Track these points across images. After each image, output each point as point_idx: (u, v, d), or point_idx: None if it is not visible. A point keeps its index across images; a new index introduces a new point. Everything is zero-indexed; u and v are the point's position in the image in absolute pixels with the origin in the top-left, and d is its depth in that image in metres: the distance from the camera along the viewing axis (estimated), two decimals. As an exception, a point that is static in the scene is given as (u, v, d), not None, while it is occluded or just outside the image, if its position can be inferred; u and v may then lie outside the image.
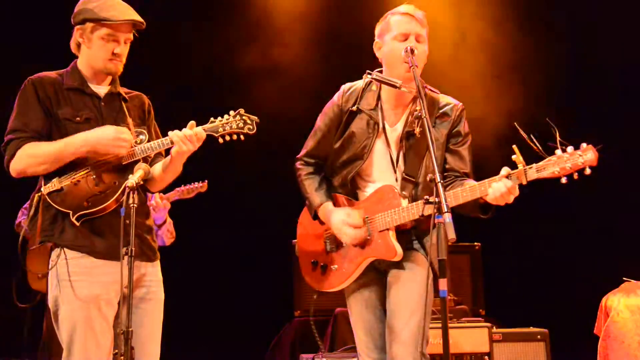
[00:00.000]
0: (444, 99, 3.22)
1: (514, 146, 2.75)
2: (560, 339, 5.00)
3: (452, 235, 2.57)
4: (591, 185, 5.83)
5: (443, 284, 2.63)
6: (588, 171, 2.66)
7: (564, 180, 2.69)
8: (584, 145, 2.69)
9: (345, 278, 3.21)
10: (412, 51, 3.00)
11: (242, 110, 3.11)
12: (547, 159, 2.72)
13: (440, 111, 3.17)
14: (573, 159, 2.67)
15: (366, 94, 3.21)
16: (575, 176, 2.68)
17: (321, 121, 3.30)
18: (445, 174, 3.14)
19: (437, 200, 2.64)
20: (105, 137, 3.01)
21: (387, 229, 3.08)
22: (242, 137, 3.11)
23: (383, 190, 3.13)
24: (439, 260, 2.63)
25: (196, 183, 4.95)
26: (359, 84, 3.24)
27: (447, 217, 2.59)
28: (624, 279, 4.87)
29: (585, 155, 2.66)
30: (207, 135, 3.07)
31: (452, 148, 3.17)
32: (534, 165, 2.75)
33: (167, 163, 3.13)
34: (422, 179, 3.11)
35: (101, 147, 3.01)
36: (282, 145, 6.14)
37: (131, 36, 3.16)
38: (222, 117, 3.11)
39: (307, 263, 3.35)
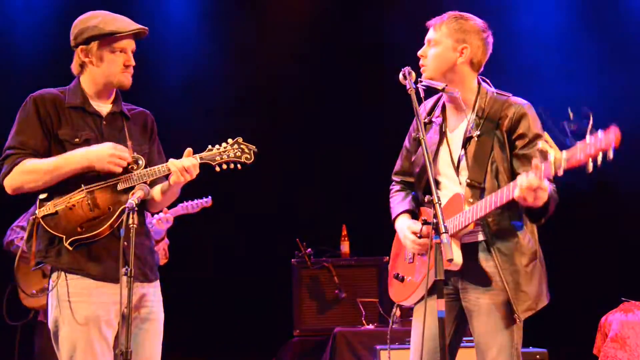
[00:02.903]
0: (508, 101, 3.08)
1: (545, 134, 2.68)
2: (559, 359, 5.00)
3: (449, 255, 2.59)
4: (590, 203, 5.88)
5: (441, 304, 2.65)
6: (610, 155, 2.51)
7: (589, 167, 2.55)
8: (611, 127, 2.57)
9: (414, 289, 3.14)
10: (409, 73, 3.01)
11: (240, 139, 3.12)
12: (573, 147, 2.59)
13: (502, 112, 3.04)
14: (595, 143, 2.54)
15: (438, 104, 3.25)
16: (599, 162, 2.53)
17: (406, 139, 3.37)
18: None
19: (434, 221, 2.65)
20: (103, 153, 3.01)
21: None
22: (239, 166, 3.12)
23: (453, 198, 3.06)
24: (436, 280, 2.64)
25: (200, 199, 4.98)
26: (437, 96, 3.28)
27: (445, 238, 2.61)
28: (623, 299, 4.88)
29: (607, 137, 2.52)
30: (204, 163, 3.08)
31: (519, 153, 3.01)
32: (563, 152, 2.62)
33: (166, 188, 3.15)
34: (488, 184, 3.00)
35: (98, 163, 3.01)
36: (283, 163, 6.19)
37: (135, 46, 3.16)
38: (220, 145, 3.11)
39: (391, 276, 3.32)
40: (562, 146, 2.63)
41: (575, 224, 5.99)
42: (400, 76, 3.03)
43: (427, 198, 2.75)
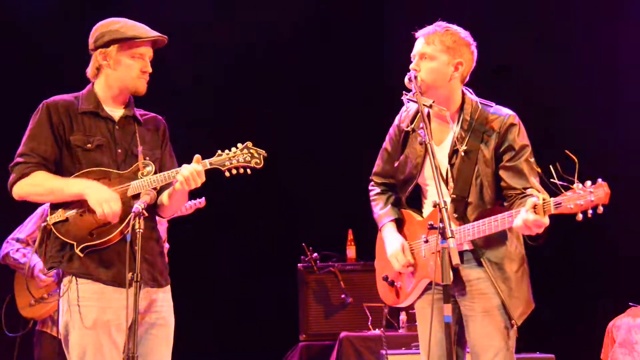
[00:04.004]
0: (495, 112, 3.11)
1: (532, 179, 2.78)
2: (566, 364, 4.98)
3: (456, 260, 2.61)
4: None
5: (447, 309, 2.65)
6: (600, 209, 2.60)
7: (579, 217, 2.63)
8: (599, 180, 2.64)
9: (406, 297, 3.23)
10: (415, 77, 3.02)
11: (249, 144, 3.11)
12: (563, 194, 2.66)
13: (488, 125, 3.07)
14: (585, 196, 2.62)
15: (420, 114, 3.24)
16: (589, 214, 2.62)
17: (386, 142, 3.38)
18: (503, 193, 3.04)
19: (441, 225, 2.66)
20: (98, 198, 2.99)
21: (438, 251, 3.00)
22: (248, 171, 3.11)
23: (435, 210, 3.01)
24: (443, 285, 2.65)
25: (194, 200, 5.04)
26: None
27: (451, 243, 2.62)
28: (630, 304, 4.86)
29: (597, 193, 2.60)
30: (213, 168, 3.07)
31: (507, 165, 3.04)
32: (551, 199, 2.71)
33: (171, 193, 3.15)
34: (472, 198, 3.05)
35: (90, 202, 2.99)
36: (286, 166, 6.19)
37: (152, 54, 3.18)
38: (229, 150, 3.11)
39: (379, 276, 3.39)
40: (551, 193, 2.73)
41: (582, 228, 5.95)
42: (406, 80, 3.05)
43: (433, 202, 2.75)
